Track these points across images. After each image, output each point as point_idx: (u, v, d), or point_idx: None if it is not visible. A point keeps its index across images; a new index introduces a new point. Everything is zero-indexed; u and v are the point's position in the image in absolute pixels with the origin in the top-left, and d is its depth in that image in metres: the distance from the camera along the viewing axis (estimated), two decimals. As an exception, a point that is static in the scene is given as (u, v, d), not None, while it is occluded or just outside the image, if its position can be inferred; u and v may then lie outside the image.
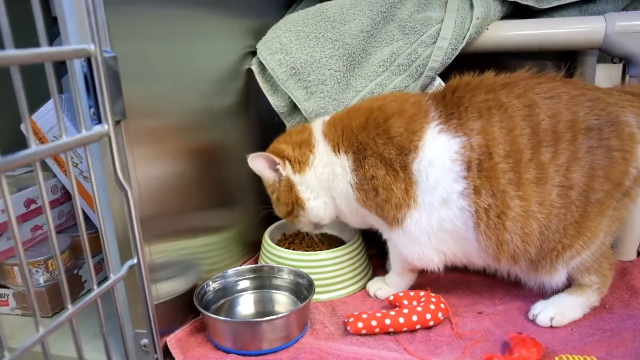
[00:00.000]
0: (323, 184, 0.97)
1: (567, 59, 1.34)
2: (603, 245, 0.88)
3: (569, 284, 0.94)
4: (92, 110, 0.69)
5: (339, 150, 0.94)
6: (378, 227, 1.00)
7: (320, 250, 1.08)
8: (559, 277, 0.89)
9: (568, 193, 0.82)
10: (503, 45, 1.01)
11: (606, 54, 1.02)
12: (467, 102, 0.86)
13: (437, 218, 0.87)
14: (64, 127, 0.62)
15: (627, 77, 1.04)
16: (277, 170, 0.99)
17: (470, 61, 0.94)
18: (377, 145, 0.89)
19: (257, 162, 0.98)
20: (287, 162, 0.98)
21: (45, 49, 0.61)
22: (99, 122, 0.69)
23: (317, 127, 0.98)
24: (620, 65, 1.11)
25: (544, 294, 0.95)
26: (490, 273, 0.99)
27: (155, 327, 0.81)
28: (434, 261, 0.93)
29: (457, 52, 0.98)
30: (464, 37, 0.98)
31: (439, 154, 0.85)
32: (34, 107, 1.09)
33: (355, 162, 0.92)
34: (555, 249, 0.85)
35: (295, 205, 0.99)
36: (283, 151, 0.98)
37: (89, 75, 0.68)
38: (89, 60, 0.67)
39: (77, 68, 0.69)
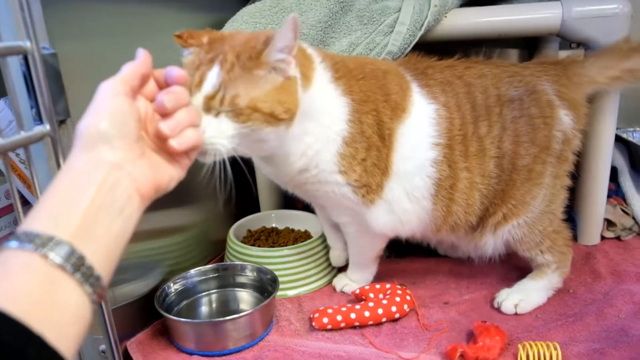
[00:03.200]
0: (308, 113, 0.77)
1: (529, 47, 1.35)
2: (545, 216, 0.90)
3: (530, 269, 0.95)
4: (34, 110, 0.66)
5: (336, 86, 0.81)
6: (334, 206, 0.89)
7: (285, 245, 1.06)
8: (489, 242, 0.92)
9: (502, 162, 0.87)
10: (462, 33, 1.01)
11: (564, 39, 1.02)
12: (430, 76, 0.88)
13: (408, 187, 0.85)
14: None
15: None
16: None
17: (433, 51, 0.93)
18: (378, 102, 0.82)
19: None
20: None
21: (-25, 47, 0.58)
22: (41, 122, 0.66)
23: (312, 50, 0.82)
24: (583, 52, 1.11)
25: (509, 281, 0.95)
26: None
27: (112, 332, 0.79)
28: (405, 230, 0.91)
29: (416, 39, 0.97)
30: (422, 25, 0.97)
31: (421, 117, 0.85)
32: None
33: (354, 112, 0.81)
34: (486, 215, 0.90)
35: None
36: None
37: (27, 73, 0.65)
38: (26, 58, 0.64)
39: (14, 66, 0.66)
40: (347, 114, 0.81)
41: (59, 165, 0.67)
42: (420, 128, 0.84)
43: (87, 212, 0.47)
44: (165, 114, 0.59)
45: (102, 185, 0.49)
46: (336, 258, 1.06)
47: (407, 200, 0.86)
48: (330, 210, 0.93)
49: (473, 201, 0.87)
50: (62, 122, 0.69)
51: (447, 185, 0.86)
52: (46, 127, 0.66)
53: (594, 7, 0.96)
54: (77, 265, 0.44)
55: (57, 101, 0.68)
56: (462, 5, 1.04)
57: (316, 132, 0.79)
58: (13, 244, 0.42)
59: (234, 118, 0.68)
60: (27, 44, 0.62)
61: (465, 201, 0.87)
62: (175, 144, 0.58)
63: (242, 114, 0.68)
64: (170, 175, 0.59)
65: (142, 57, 0.60)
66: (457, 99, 0.87)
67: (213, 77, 0.68)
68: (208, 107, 0.68)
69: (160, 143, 0.59)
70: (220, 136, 0.68)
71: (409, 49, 0.98)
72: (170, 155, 0.59)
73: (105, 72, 0.82)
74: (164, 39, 0.98)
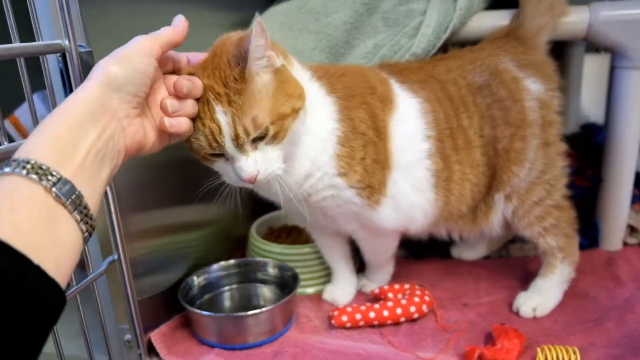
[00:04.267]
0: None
1: (555, 51, 1.34)
2: (540, 187, 0.90)
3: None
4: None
5: (319, 85, 0.79)
6: (341, 214, 0.86)
7: (307, 243, 1.08)
8: (492, 220, 0.93)
9: (487, 151, 0.89)
10: (486, 36, 1.01)
11: (591, 44, 1.01)
12: (406, 76, 0.89)
13: (411, 178, 0.85)
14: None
15: (614, 67, 1.04)
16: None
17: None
18: (366, 95, 0.81)
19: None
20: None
21: (17, 45, 0.61)
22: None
23: (292, 59, 0.79)
24: (609, 56, 1.11)
25: (528, 284, 0.95)
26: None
27: (138, 323, 0.82)
28: (414, 225, 0.90)
29: (440, 42, 0.98)
30: (447, 28, 0.97)
31: (408, 109, 0.85)
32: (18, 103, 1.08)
33: (342, 110, 0.79)
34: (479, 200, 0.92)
35: None
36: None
37: (64, 70, 0.68)
38: (64, 56, 0.67)
39: (53, 64, 0.69)
40: (335, 113, 0.78)
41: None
42: (410, 120, 0.84)
43: (88, 153, 0.50)
44: (174, 95, 0.64)
45: (103, 132, 0.52)
46: (340, 294, 0.99)
47: (412, 193, 0.85)
48: (339, 220, 0.88)
49: (465, 191, 0.89)
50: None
51: (444, 177, 0.87)
52: (80, 122, 0.68)
53: (621, 12, 0.96)
54: (76, 204, 0.47)
55: (92, 98, 0.70)
56: (487, 8, 1.04)
57: (313, 129, 0.76)
58: (18, 170, 0.44)
59: (273, 142, 0.69)
60: (66, 43, 0.65)
61: (459, 192, 0.88)
62: (167, 123, 0.63)
63: (279, 131, 0.68)
64: (153, 142, 0.63)
65: (181, 25, 0.65)
66: (436, 95, 0.88)
67: (222, 118, 0.66)
68: (241, 146, 0.67)
69: (157, 113, 0.64)
70: (273, 163, 0.70)
71: (434, 51, 0.99)
72: (160, 127, 0.64)
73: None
74: (193, 37, 1.00)
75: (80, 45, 0.68)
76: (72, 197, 0.47)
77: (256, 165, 0.68)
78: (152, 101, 0.63)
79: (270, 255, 1.04)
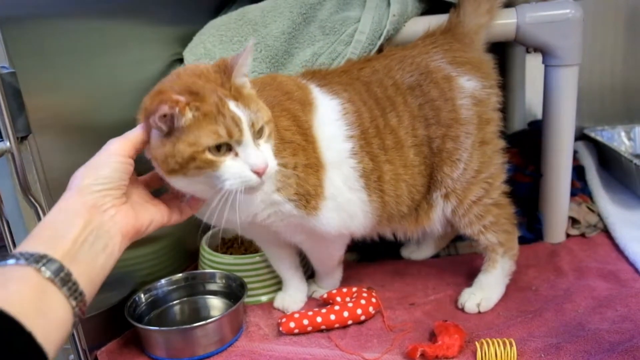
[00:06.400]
0: None
1: (497, 51, 1.38)
2: (477, 186, 0.91)
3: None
4: (-5, 127, 0.68)
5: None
6: (286, 227, 0.86)
7: (258, 252, 1.08)
8: (433, 219, 0.95)
9: (421, 150, 0.90)
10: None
11: (521, 44, 1.05)
12: (329, 80, 0.90)
13: (342, 175, 0.85)
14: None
15: (546, 66, 1.07)
16: None
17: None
18: (283, 103, 0.82)
19: None
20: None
21: None
22: (1, 138, 0.68)
23: None
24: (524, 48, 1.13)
25: (473, 279, 0.97)
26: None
27: (81, 342, 0.81)
28: (355, 224, 0.89)
29: (375, 48, 1.00)
30: (382, 34, 1.00)
31: (327, 110, 0.85)
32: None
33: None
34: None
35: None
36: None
37: (-14, 92, 0.68)
38: (-16, 77, 0.67)
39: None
40: None
41: (19, 180, 0.69)
42: (330, 121, 0.85)
43: (75, 241, 0.56)
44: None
45: (88, 224, 0.58)
46: (290, 301, 1.00)
47: (347, 190, 0.86)
48: (284, 234, 0.89)
49: (401, 192, 0.89)
50: (22, 138, 0.72)
51: (375, 177, 0.87)
52: (6, 144, 0.68)
53: (547, 13, 1.00)
54: (65, 280, 0.52)
55: (17, 118, 0.70)
56: (422, 14, 1.07)
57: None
58: (11, 261, 0.51)
59: (268, 139, 0.71)
60: (-16, 64, 0.65)
61: (394, 192, 0.89)
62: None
63: (271, 131, 0.72)
64: (151, 219, 0.69)
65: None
66: (361, 96, 0.88)
67: (237, 109, 0.67)
68: (258, 133, 0.69)
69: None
70: (273, 160, 0.71)
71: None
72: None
73: (69, 88, 0.85)
74: (132, 53, 1.00)
75: (3, 67, 0.68)
76: (61, 275, 0.52)
77: (265, 157, 0.69)
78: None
79: (221, 266, 1.04)
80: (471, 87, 0.91)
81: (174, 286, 1.00)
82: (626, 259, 1.04)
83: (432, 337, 0.86)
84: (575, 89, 1.05)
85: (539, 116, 1.43)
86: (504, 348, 0.77)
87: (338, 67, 0.96)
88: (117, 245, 0.62)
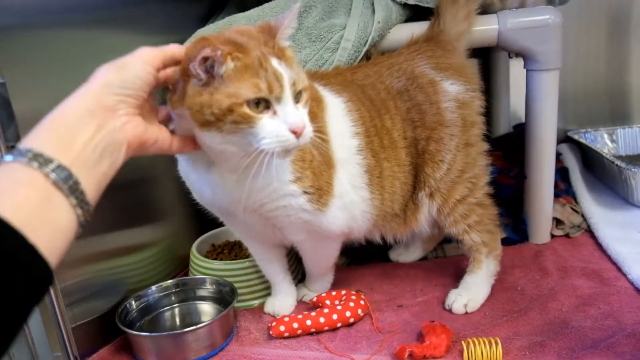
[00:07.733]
0: None
1: (482, 56, 1.41)
2: (461, 185, 0.94)
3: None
4: (-15, 137, 0.69)
5: None
6: (290, 223, 0.86)
7: (247, 258, 1.09)
8: (420, 219, 0.97)
9: (410, 151, 0.93)
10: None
11: (503, 50, 1.07)
12: (327, 80, 0.92)
13: (348, 175, 0.87)
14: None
15: (527, 70, 1.10)
16: None
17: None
18: None
19: None
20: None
21: None
22: (-9, 148, 0.69)
23: None
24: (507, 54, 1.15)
25: (459, 280, 0.99)
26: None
27: (72, 349, 0.82)
28: (357, 225, 0.92)
29: (361, 54, 1.02)
30: (367, 40, 1.02)
31: (334, 107, 0.87)
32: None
33: None
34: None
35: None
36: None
37: (-24, 103, 0.68)
38: (-26, 88, 0.67)
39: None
40: None
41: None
42: (339, 117, 0.87)
43: (86, 146, 0.54)
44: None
45: (100, 128, 0.56)
46: (280, 305, 1.01)
47: (351, 189, 0.88)
48: (287, 231, 0.89)
49: (396, 189, 0.92)
50: (12, 147, 0.72)
51: (377, 173, 0.90)
52: (-4, 153, 0.69)
53: (527, 19, 1.02)
54: (73, 189, 0.50)
55: (7, 128, 0.71)
56: (406, 21, 1.09)
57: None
58: (19, 158, 0.48)
59: (305, 105, 0.71)
60: (-26, 75, 0.66)
61: (391, 189, 0.92)
62: None
63: (308, 98, 0.71)
64: (157, 137, 0.66)
65: (182, 48, 0.68)
66: (357, 96, 0.91)
67: (279, 67, 0.67)
68: (298, 92, 0.69)
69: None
70: (309, 125, 0.70)
71: (355, 63, 1.03)
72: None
73: (57, 98, 0.85)
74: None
75: (-8, 77, 0.69)
76: (70, 183, 0.50)
77: (303, 117, 0.69)
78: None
79: (211, 272, 1.04)
80: (454, 90, 0.93)
81: (165, 292, 1.01)
82: (609, 258, 1.07)
83: (420, 337, 0.87)
84: (556, 92, 1.08)
85: (524, 119, 1.46)
86: (490, 347, 0.79)
87: (331, 70, 0.98)
88: (123, 153, 0.59)
